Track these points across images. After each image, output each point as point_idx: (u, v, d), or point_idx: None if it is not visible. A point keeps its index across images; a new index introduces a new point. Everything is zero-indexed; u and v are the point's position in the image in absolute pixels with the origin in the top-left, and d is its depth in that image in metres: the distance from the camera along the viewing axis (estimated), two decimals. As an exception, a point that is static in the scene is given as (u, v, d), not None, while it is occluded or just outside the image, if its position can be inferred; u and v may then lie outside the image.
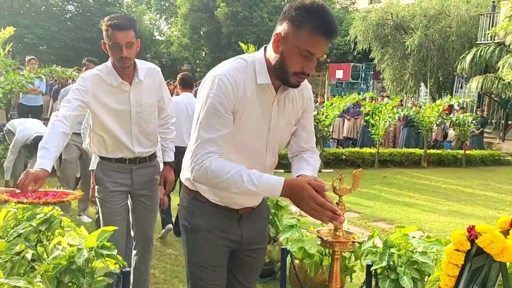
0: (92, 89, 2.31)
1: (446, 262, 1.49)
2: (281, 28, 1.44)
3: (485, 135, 14.54)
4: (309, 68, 1.45)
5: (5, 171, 4.94)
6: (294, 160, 1.72)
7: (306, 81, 1.57)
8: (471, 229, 1.47)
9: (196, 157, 1.46)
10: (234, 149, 1.52)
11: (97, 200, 2.51)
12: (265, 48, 1.53)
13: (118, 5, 24.31)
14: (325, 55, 7.60)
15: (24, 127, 4.80)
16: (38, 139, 4.68)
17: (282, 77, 1.47)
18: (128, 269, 2.01)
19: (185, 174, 1.64)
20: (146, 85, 2.41)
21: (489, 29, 13.51)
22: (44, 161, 2.09)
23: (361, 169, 1.97)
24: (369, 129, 9.52)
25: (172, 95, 3.93)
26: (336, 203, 2.10)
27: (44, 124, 5.58)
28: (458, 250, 1.48)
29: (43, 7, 22.96)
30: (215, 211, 1.63)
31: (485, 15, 14.43)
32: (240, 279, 1.76)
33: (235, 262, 1.73)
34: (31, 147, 4.86)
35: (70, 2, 24.09)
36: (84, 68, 4.54)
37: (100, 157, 2.47)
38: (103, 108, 2.33)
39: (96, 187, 2.50)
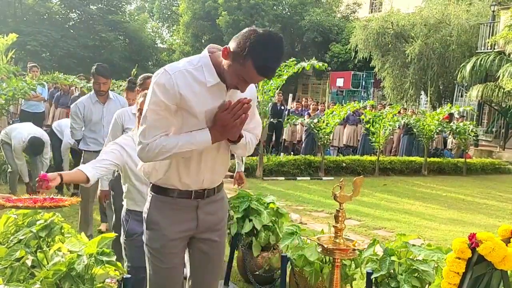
0: None
1: (447, 270, 1.49)
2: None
3: (485, 143, 14.55)
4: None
5: (22, 175, 5.07)
6: None
7: None
8: (472, 236, 1.46)
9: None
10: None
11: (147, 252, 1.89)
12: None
13: (121, 13, 24.47)
14: (326, 64, 7.63)
15: (17, 132, 4.84)
16: (32, 140, 4.73)
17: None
18: (128, 276, 2.00)
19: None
20: None
21: (489, 38, 13.56)
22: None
23: (361, 176, 1.98)
24: (370, 137, 9.53)
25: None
26: (337, 210, 2.10)
27: (45, 130, 5.62)
28: (459, 258, 1.47)
29: (46, 14, 23.14)
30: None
31: (485, 24, 14.49)
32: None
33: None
34: (27, 150, 4.88)
35: (73, 10, 24.26)
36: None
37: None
38: None
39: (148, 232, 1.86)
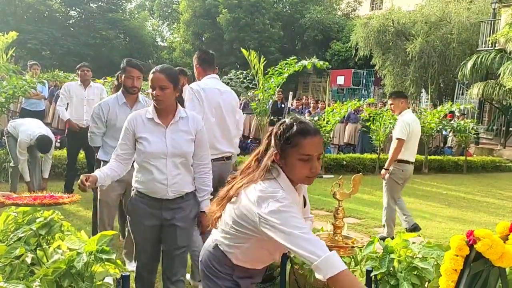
0: None
1: (445, 267, 1.49)
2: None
3: (486, 141, 14.54)
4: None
5: (23, 173, 4.91)
6: None
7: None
8: (470, 234, 1.47)
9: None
10: None
11: None
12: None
13: (121, 11, 24.45)
14: (327, 62, 7.61)
15: (26, 128, 4.81)
16: (41, 139, 4.71)
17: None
18: (127, 273, 2.01)
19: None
20: None
21: (489, 36, 13.55)
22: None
23: (360, 173, 1.98)
24: (369, 135, 9.52)
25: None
26: (336, 207, 2.10)
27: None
28: (457, 255, 1.48)
29: (46, 13, 23.14)
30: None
31: (486, 22, 14.46)
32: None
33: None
34: (33, 147, 4.88)
35: (73, 8, 24.26)
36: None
37: None
38: None
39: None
